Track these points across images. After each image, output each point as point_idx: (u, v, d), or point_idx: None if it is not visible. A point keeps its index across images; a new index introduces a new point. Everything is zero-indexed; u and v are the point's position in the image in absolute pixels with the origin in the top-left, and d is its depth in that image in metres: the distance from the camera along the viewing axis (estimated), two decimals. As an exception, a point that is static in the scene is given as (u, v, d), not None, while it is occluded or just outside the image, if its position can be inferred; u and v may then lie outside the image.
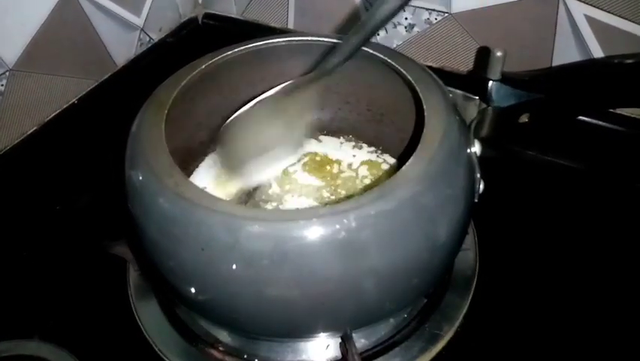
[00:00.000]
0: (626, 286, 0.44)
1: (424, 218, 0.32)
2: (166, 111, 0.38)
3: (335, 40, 0.44)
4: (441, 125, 0.35)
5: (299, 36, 0.45)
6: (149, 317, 0.43)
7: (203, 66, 0.42)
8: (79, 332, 0.43)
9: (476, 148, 0.37)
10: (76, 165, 0.58)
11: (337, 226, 0.29)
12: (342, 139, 0.53)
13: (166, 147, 0.35)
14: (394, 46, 0.66)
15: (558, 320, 0.43)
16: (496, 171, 0.39)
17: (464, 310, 0.42)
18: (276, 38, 0.45)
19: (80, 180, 0.56)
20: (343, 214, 0.30)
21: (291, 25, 0.71)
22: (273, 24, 0.72)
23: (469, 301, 0.43)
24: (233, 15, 0.75)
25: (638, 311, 0.43)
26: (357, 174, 0.50)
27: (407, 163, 0.32)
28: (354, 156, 0.51)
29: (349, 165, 0.50)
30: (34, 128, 0.60)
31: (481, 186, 0.38)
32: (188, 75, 0.41)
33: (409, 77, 0.38)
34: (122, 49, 0.68)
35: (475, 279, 0.44)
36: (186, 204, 0.31)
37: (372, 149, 0.52)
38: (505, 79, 0.38)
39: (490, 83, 0.38)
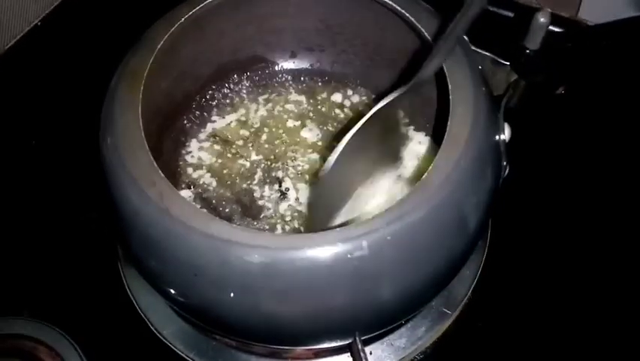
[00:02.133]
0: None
1: (445, 233, 0.28)
2: (142, 87, 0.32)
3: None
4: (468, 117, 0.29)
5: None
6: (141, 290, 0.41)
7: (183, 19, 0.35)
8: (69, 307, 0.41)
9: (506, 134, 0.32)
10: (47, 98, 0.51)
11: (349, 256, 0.26)
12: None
13: (145, 144, 0.29)
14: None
15: (567, 298, 0.41)
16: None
17: (471, 288, 0.40)
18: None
19: (55, 116, 0.50)
20: (355, 240, 0.26)
21: None
22: None
23: (476, 278, 0.41)
24: None
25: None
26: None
27: (429, 171, 0.28)
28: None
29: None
30: (-8, 59, 0.53)
31: (506, 172, 0.34)
32: (166, 33, 0.34)
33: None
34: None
35: (484, 256, 0.42)
36: (175, 226, 0.26)
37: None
38: (545, 48, 0.32)
39: (528, 52, 0.32)
